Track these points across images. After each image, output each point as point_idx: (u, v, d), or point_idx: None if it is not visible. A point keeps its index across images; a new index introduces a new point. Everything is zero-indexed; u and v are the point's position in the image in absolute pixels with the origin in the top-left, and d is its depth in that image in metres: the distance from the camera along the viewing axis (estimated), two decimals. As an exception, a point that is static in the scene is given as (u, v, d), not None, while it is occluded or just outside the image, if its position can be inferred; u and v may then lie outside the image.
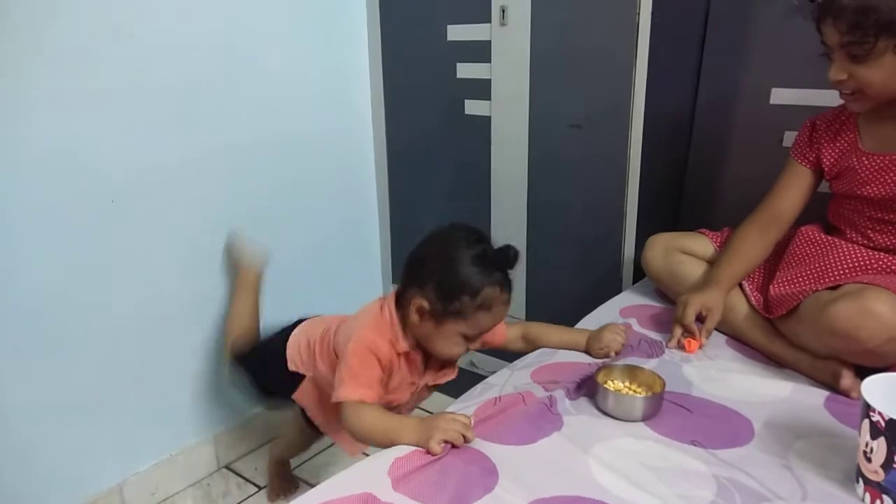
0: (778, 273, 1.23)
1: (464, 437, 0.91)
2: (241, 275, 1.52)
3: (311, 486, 0.85)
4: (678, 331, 1.22)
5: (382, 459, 0.89)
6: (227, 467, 1.66)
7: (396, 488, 0.83)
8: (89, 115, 1.29)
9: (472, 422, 0.94)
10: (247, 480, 1.61)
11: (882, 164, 1.13)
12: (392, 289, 1.17)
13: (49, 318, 1.29)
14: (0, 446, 1.26)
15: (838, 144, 1.21)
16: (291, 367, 1.23)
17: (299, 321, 1.32)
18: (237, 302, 1.51)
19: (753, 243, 1.27)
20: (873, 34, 0.99)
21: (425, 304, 1.03)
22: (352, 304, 1.92)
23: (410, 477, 0.85)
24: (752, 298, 1.25)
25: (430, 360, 1.15)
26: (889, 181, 1.13)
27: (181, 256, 1.49)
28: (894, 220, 1.15)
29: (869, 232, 1.19)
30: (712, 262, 1.32)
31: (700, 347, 1.20)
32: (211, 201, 1.53)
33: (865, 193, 1.16)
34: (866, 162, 1.15)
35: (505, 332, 1.23)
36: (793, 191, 1.27)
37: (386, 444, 0.95)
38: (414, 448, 0.91)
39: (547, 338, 1.23)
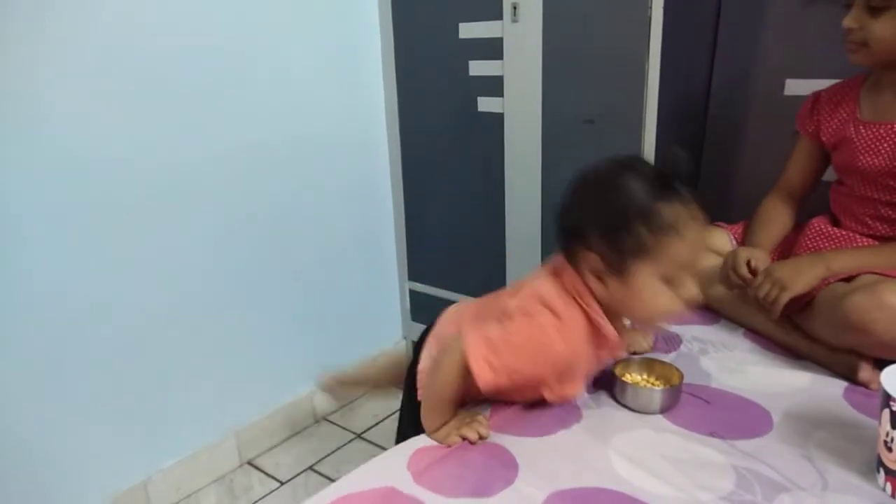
0: None
1: (480, 434, 0.92)
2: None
3: (332, 480, 0.86)
4: (733, 277, 1.18)
5: (401, 454, 0.90)
6: (249, 463, 1.68)
7: (418, 481, 0.84)
8: (107, 118, 1.31)
9: (489, 418, 0.95)
10: (269, 476, 1.63)
11: (877, 134, 1.15)
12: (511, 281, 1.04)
13: (72, 319, 1.32)
14: (28, 444, 1.29)
15: (838, 115, 1.23)
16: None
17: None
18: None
19: (780, 211, 1.31)
20: None
21: (598, 261, 0.84)
22: (367, 301, 1.96)
23: (431, 470, 0.86)
24: None
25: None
26: (883, 151, 1.14)
27: (201, 256, 1.51)
28: (887, 199, 1.16)
29: (867, 220, 1.19)
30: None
31: None
32: (228, 202, 1.54)
33: (860, 164, 1.17)
34: (863, 131, 1.17)
35: None
36: (801, 162, 1.32)
37: (426, 401, 0.94)
38: (426, 442, 0.93)
39: None
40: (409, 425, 1.02)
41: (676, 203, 0.81)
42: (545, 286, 0.88)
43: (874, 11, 1.05)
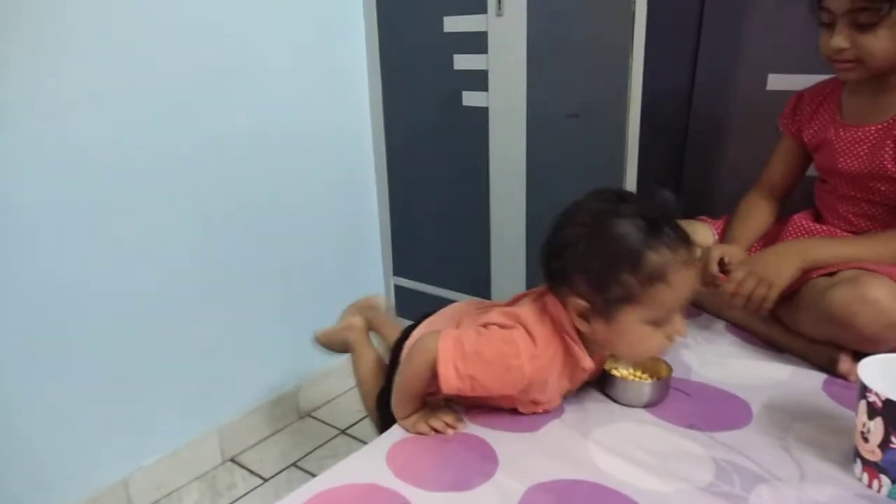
0: None
1: (446, 423, 0.92)
2: (350, 328, 1.34)
3: (314, 476, 0.86)
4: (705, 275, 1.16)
5: (378, 449, 0.90)
6: (231, 460, 1.67)
7: (399, 476, 0.84)
8: (92, 110, 1.29)
9: (467, 411, 0.96)
10: (252, 473, 1.62)
11: (855, 137, 1.15)
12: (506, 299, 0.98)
13: (54, 314, 1.30)
14: (5, 441, 1.27)
15: (819, 117, 1.23)
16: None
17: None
18: (358, 363, 1.29)
19: (759, 207, 1.30)
20: (889, 1, 0.99)
21: (583, 304, 0.84)
22: (352, 298, 1.94)
23: (411, 464, 0.86)
24: None
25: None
26: (861, 153, 1.14)
27: (183, 252, 1.50)
28: (869, 198, 1.16)
29: (851, 217, 1.19)
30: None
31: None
32: (211, 197, 1.53)
33: (840, 167, 1.17)
34: (842, 133, 1.17)
35: None
36: (783, 161, 1.31)
37: (395, 392, 0.94)
38: (405, 435, 0.93)
39: None
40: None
41: (665, 249, 0.80)
42: (527, 308, 0.90)
43: (864, 28, 1.02)
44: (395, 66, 1.81)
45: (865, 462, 0.81)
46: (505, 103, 1.61)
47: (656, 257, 0.79)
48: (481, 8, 1.57)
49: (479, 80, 1.64)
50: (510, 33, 1.54)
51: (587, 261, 0.82)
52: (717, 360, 1.13)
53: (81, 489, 1.40)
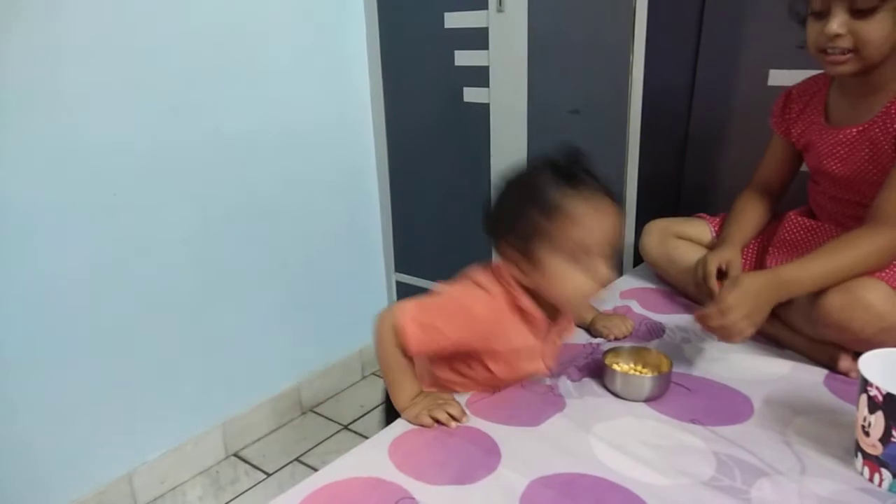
0: (768, 258, 1.24)
1: (453, 417, 0.93)
2: None
3: (317, 471, 0.86)
4: (703, 287, 1.16)
5: (381, 442, 0.91)
6: (235, 455, 1.68)
7: (401, 469, 0.84)
8: (93, 109, 1.30)
9: (465, 405, 0.96)
10: (255, 468, 1.63)
11: (837, 139, 1.14)
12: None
13: (56, 312, 1.30)
14: (9, 437, 1.28)
15: (805, 117, 1.22)
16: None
17: None
18: None
19: (755, 206, 1.29)
20: None
21: (515, 253, 0.92)
22: (353, 295, 1.96)
23: (414, 459, 0.86)
24: None
25: (554, 324, 1.00)
26: (843, 156, 1.13)
27: (185, 247, 1.50)
28: (858, 200, 1.15)
29: (842, 218, 1.18)
30: (710, 248, 1.32)
31: None
32: (213, 194, 1.54)
33: (826, 169, 1.17)
34: (825, 136, 1.16)
35: None
36: (775, 159, 1.31)
37: (385, 380, 0.96)
38: (407, 428, 0.93)
39: None
40: (392, 412, 1.02)
41: (566, 187, 0.88)
42: (477, 271, 0.98)
43: (861, 14, 0.98)
44: (396, 63, 1.81)
45: (866, 456, 0.81)
46: (506, 99, 1.61)
47: (557, 193, 0.87)
48: (482, 4, 1.57)
49: (480, 76, 1.64)
50: (511, 29, 1.54)
51: (507, 211, 0.92)
52: (718, 354, 1.13)
53: (86, 484, 1.41)
